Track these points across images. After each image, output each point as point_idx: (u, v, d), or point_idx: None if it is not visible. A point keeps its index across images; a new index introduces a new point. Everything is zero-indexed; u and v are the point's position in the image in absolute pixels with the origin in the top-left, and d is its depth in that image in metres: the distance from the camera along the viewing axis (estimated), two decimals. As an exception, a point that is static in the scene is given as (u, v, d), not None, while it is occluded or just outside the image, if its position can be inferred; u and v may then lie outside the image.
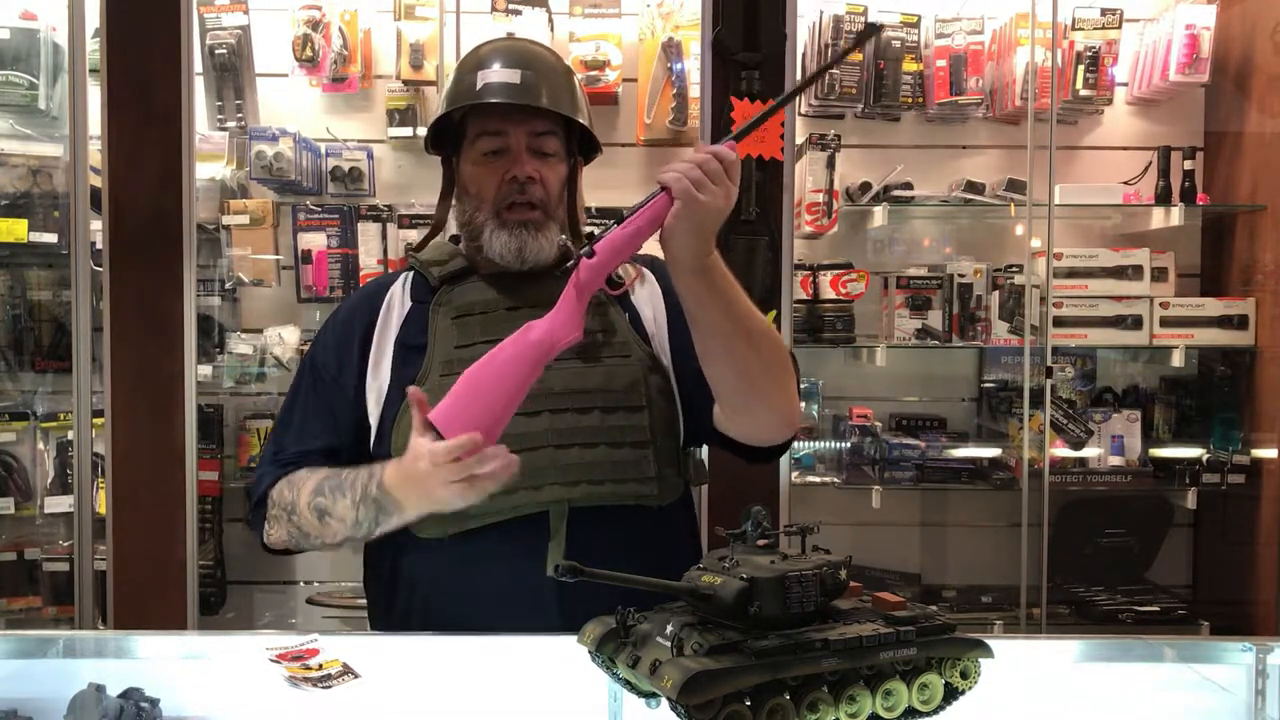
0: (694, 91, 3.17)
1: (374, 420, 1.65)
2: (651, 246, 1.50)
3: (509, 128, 1.62)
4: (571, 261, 1.44)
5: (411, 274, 1.74)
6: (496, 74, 1.60)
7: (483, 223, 1.64)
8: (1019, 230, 3.38)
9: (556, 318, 1.42)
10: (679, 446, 1.69)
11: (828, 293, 3.28)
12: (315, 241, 3.29)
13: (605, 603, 1.23)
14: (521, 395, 1.41)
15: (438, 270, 1.69)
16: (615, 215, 1.46)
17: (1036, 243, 3.23)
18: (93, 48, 2.78)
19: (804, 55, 3.28)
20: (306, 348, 3.15)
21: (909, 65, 3.31)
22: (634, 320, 1.70)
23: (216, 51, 3.21)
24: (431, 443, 1.38)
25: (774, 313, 2.76)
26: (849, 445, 3.34)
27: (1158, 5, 3.41)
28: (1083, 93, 3.31)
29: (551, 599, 1.54)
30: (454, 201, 1.72)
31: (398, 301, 1.70)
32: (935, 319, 3.31)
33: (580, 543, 1.56)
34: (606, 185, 3.09)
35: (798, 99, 3.10)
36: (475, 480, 1.38)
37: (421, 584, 1.63)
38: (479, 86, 1.61)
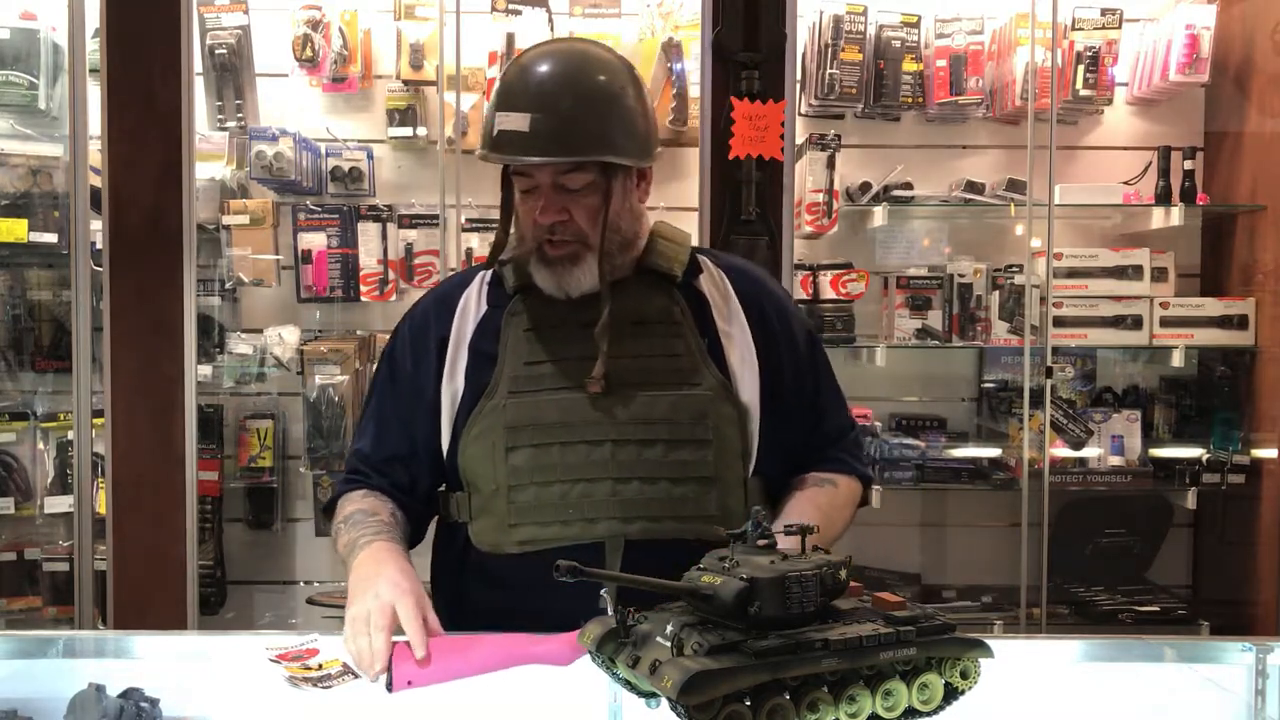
0: (694, 91, 3.17)
1: (446, 425, 1.64)
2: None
3: (532, 170, 1.57)
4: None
5: (490, 274, 1.72)
6: (508, 120, 1.54)
7: (526, 255, 1.63)
8: (1019, 230, 3.37)
9: (558, 646, 1.37)
10: (745, 478, 1.65)
11: (828, 293, 3.28)
12: (315, 241, 3.29)
13: None
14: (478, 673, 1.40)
15: (514, 279, 1.66)
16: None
17: (1036, 243, 3.23)
18: (93, 48, 2.78)
19: (804, 55, 3.28)
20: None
21: (909, 65, 3.31)
22: (712, 345, 1.65)
23: (216, 51, 3.21)
24: (376, 632, 1.38)
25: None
26: (849, 445, 3.34)
27: (1158, 5, 3.41)
28: (1083, 93, 3.30)
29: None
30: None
31: (474, 303, 1.69)
32: (935, 319, 3.31)
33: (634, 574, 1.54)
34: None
35: (798, 100, 3.09)
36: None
37: (472, 587, 1.65)
38: (495, 133, 1.55)
